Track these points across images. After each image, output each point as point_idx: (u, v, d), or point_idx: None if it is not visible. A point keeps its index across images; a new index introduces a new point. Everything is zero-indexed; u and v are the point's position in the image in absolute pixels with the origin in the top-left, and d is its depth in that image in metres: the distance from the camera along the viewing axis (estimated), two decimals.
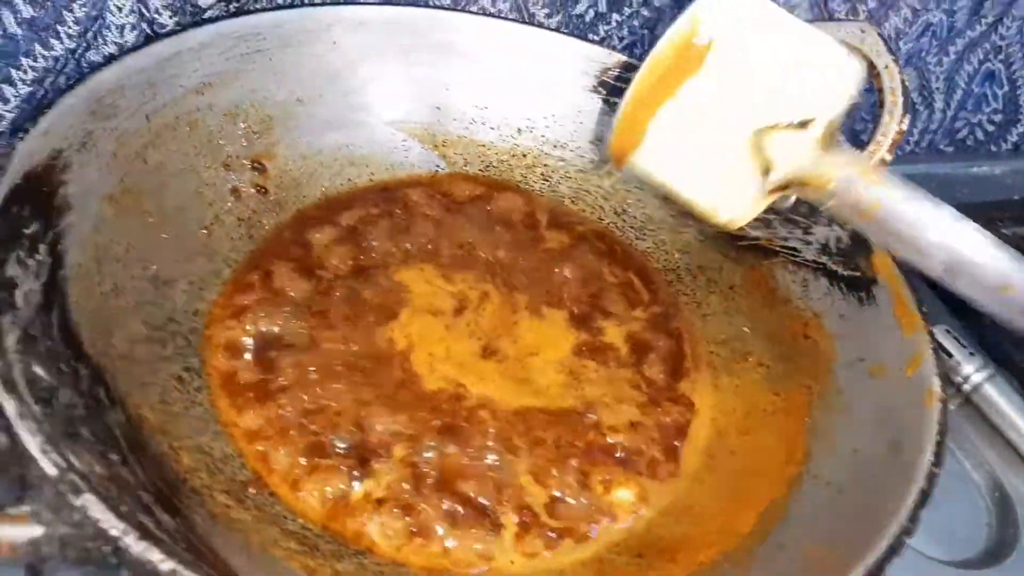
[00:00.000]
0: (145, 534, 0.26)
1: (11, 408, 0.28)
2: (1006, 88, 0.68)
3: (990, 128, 0.70)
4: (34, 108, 0.45)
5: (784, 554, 0.36)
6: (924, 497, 0.34)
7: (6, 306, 0.31)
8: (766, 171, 0.41)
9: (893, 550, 0.33)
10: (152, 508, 0.30)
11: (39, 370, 0.31)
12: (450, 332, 0.44)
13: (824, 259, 0.46)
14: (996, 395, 0.48)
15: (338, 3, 0.49)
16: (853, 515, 0.36)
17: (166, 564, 0.26)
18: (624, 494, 0.40)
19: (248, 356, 0.41)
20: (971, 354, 0.50)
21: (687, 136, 0.41)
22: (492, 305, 0.45)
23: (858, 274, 0.44)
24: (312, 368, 0.40)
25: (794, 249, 0.47)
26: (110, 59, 0.41)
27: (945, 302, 0.53)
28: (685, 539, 0.39)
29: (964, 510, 0.45)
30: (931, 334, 0.41)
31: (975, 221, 0.38)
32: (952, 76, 0.69)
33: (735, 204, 0.42)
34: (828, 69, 0.41)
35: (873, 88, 0.49)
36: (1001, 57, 0.67)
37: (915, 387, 0.39)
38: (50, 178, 0.36)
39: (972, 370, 0.49)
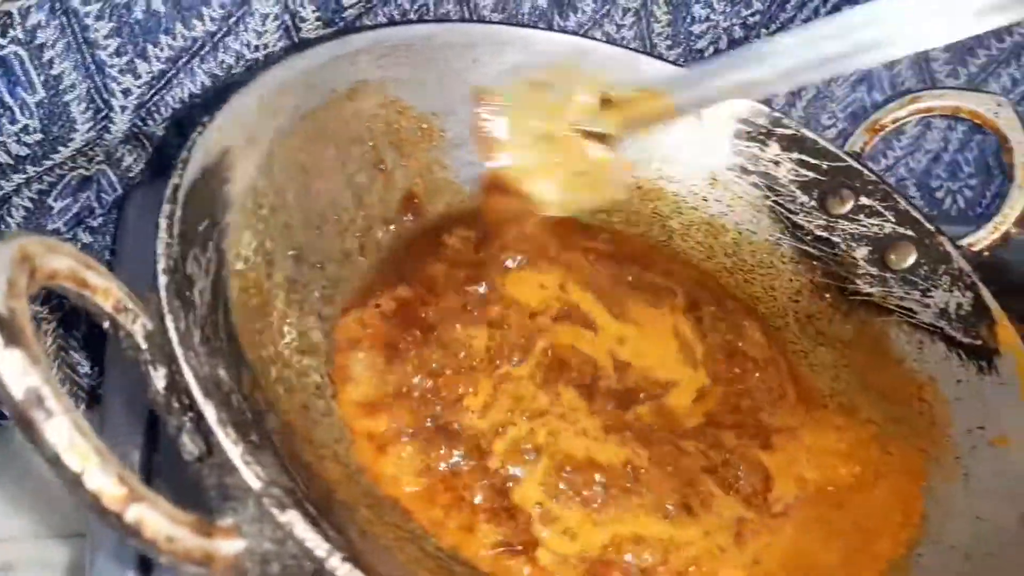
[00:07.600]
0: (349, 554, 0.26)
1: (211, 414, 0.27)
2: None
3: None
4: (160, 87, 0.43)
5: None
6: None
7: (189, 304, 0.31)
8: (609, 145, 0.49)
9: None
10: (319, 521, 0.30)
11: (221, 373, 0.30)
12: None
13: (942, 323, 0.46)
14: None
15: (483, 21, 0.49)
16: None
17: None
18: None
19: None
20: None
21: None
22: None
23: (979, 343, 0.45)
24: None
25: (910, 310, 0.47)
26: (276, 58, 0.41)
27: None
28: None
29: None
30: None
31: None
32: None
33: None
34: None
35: (1003, 162, 0.49)
36: None
37: None
38: (219, 174, 0.36)
39: None
